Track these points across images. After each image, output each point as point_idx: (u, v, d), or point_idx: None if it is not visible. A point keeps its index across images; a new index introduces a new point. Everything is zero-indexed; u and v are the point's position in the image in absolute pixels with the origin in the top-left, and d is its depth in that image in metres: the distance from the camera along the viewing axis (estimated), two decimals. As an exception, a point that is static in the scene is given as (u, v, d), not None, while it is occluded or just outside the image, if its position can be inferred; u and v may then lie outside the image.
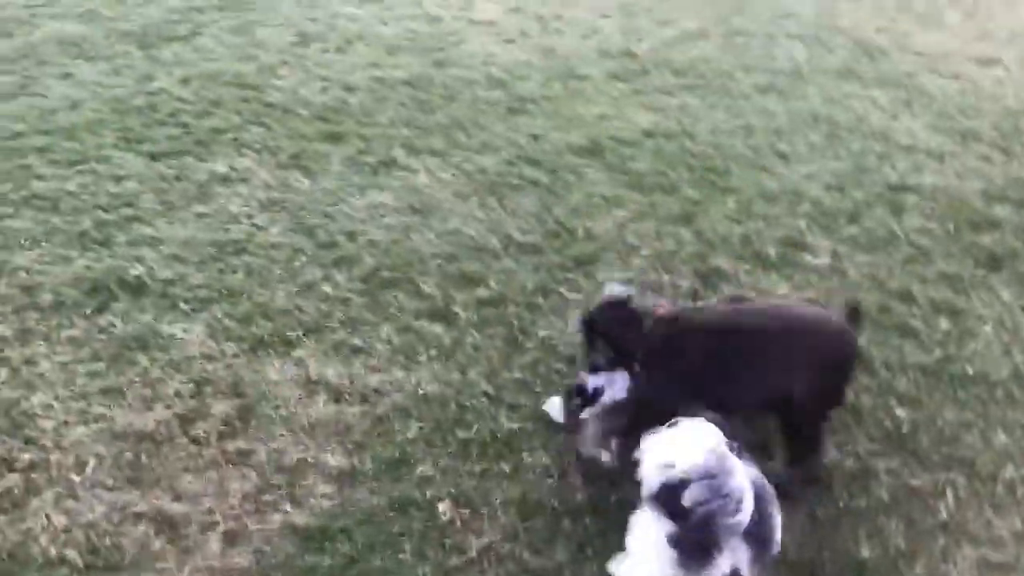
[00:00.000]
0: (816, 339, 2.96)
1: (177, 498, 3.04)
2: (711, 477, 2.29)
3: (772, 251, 4.28)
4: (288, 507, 3.01)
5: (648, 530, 2.43)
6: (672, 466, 2.33)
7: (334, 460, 3.18)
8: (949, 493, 3.09)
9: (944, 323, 3.85)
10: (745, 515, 2.33)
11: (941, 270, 4.17)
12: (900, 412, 3.40)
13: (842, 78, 5.98)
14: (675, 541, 2.36)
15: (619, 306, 3.08)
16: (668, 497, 2.33)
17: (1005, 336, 3.79)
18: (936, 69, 6.07)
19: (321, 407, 3.39)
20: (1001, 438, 3.31)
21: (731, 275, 4.13)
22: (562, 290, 4.04)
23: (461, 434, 3.30)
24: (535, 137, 5.21)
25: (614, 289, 3.20)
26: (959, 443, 3.29)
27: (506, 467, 3.18)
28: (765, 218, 4.52)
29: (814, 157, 5.05)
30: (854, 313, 3.11)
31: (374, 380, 3.52)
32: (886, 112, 5.53)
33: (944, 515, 3.02)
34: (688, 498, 2.27)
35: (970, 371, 3.60)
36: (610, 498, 3.02)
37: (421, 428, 3.32)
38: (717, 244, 4.33)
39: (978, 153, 5.11)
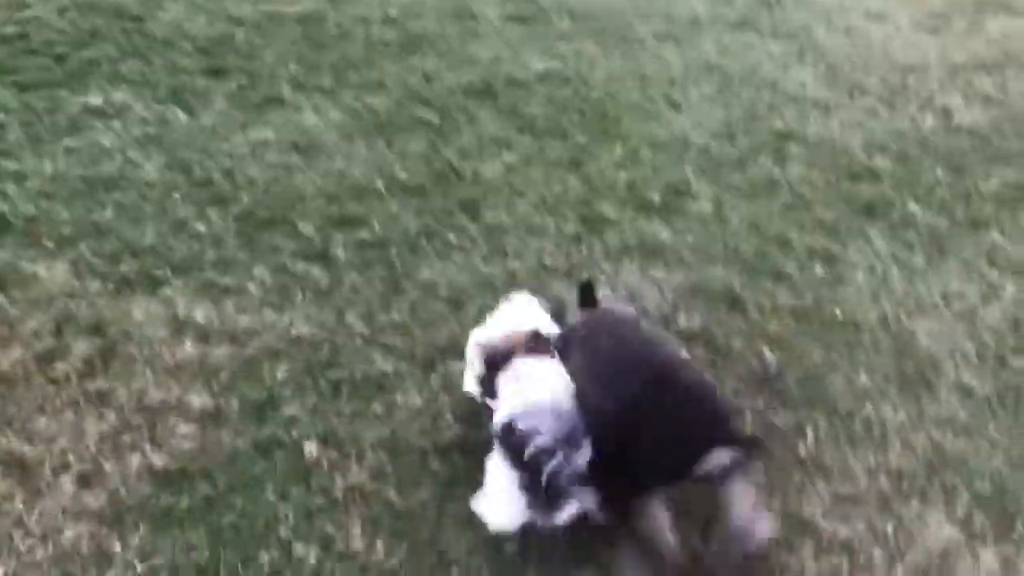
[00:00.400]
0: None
1: (30, 440, 2.92)
2: (551, 421, 2.32)
3: (656, 197, 4.29)
4: (147, 448, 2.92)
5: (499, 472, 2.44)
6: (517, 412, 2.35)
7: (198, 401, 3.09)
8: (809, 431, 3.17)
9: (818, 269, 3.93)
10: (583, 458, 2.35)
11: (819, 218, 4.24)
12: (768, 354, 3.47)
13: (738, 29, 6.01)
14: (523, 486, 2.37)
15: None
16: (512, 446, 2.34)
17: (875, 283, 3.88)
18: (830, 23, 6.15)
19: (187, 348, 3.29)
20: (863, 379, 3.39)
21: (614, 221, 4.13)
22: (447, 233, 3.99)
23: (333, 375, 3.24)
24: (427, 77, 5.11)
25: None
26: (823, 384, 3.36)
27: (378, 408, 3.13)
28: (652, 165, 4.53)
29: (704, 106, 5.07)
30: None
31: (244, 321, 3.42)
32: (778, 63, 5.58)
33: (803, 452, 3.09)
34: (529, 451, 2.29)
35: (839, 315, 3.69)
36: (480, 437, 3.01)
37: (291, 370, 3.24)
38: (603, 190, 4.33)
39: (863, 106, 5.20)
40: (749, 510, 2.66)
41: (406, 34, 5.53)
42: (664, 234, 4.05)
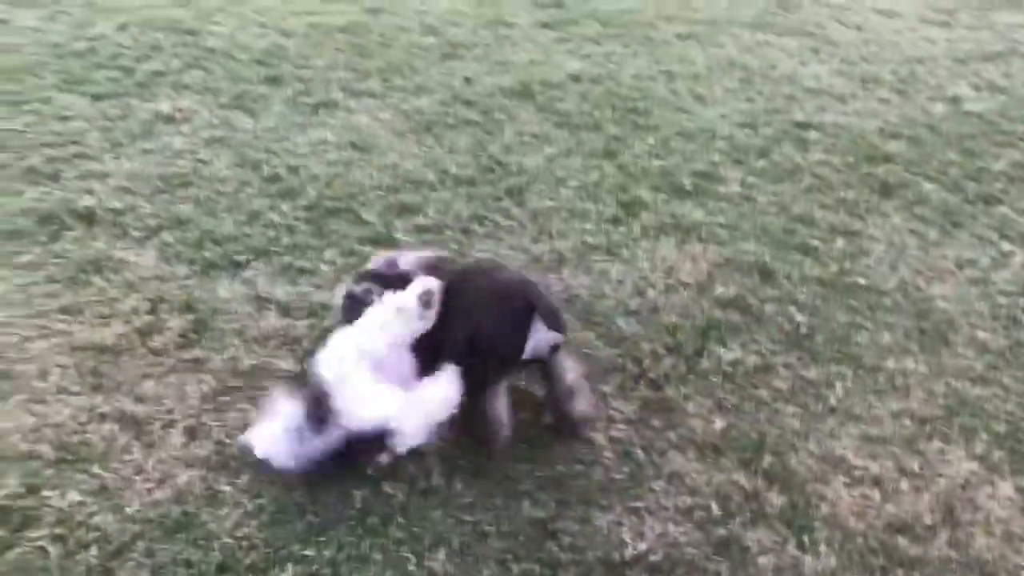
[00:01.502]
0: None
1: (139, 401, 3.26)
2: None
3: (688, 182, 4.62)
4: (245, 405, 3.26)
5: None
6: None
7: (285, 365, 3.43)
8: (838, 383, 3.49)
9: (841, 242, 4.25)
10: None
11: (840, 197, 4.57)
12: (799, 317, 3.79)
13: (757, 28, 6.36)
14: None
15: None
16: None
17: (894, 253, 4.20)
18: (843, 20, 6.49)
19: (271, 321, 3.63)
20: (886, 337, 3.71)
21: (650, 204, 4.46)
22: (496, 217, 4.34)
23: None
24: (468, 80, 5.47)
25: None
26: (849, 342, 3.69)
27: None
28: (682, 153, 4.87)
29: (728, 99, 5.41)
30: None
31: (320, 297, 3.76)
32: (795, 59, 5.93)
33: (833, 401, 3.41)
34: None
35: (862, 282, 4.01)
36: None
37: (366, 337, 3.58)
38: (638, 176, 4.67)
39: (877, 96, 5.53)
40: (573, 379, 3.18)
41: (445, 41, 5.90)
42: (697, 214, 4.39)
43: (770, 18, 6.48)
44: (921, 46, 6.14)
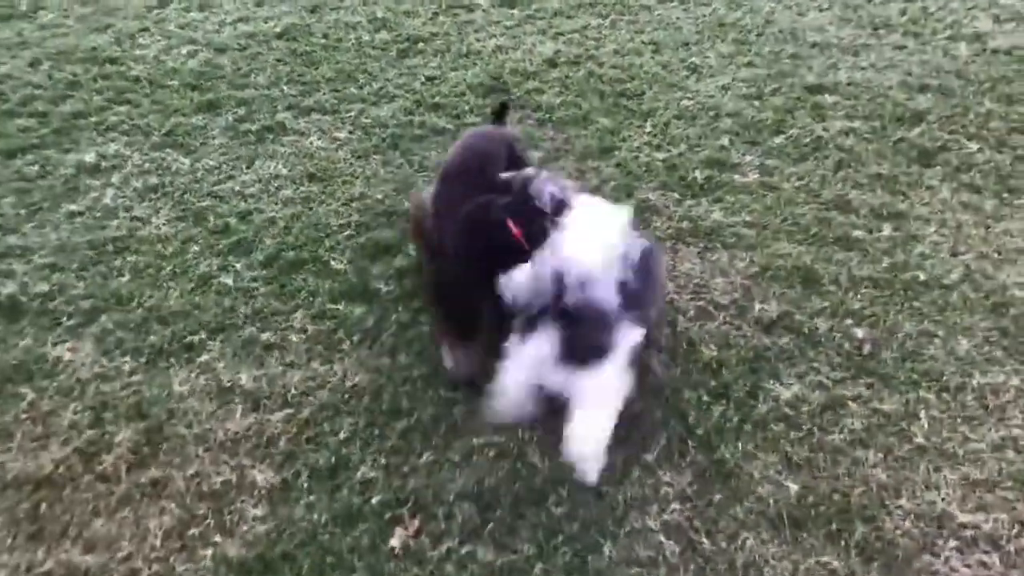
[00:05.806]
0: None
1: (89, 548, 2.66)
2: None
3: (699, 175, 4.02)
4: (218, 538, 2.67)
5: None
6: None
7: (262, 477, 2.84)
8: (921, 414, 2.92)
9: (887, 229, 3.67)
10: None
11: (874, 172, 3.98)
12: (858, 332, 3.22)
13: (741, -23, 5.70)
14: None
15: None
16: None
17: (949, 236, 3.63)
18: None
19: (238, 418, 3.03)
20: (963, 345, 3.15)
21: (661, 207, 3.86)
22: (485, 246, 3.72)
23: (400, 425, 2.98)
24: (431, 79, 4.82)
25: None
26: (922, 356, 3.12)
27: (455, 456, 2.89)
28: (686, 140, 4.26)
29: (726, 67, 4.79)
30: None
31: (294, 379, 3.16)
32: (793, 9, 5.29)
33: (920, 438, 2.85)
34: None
35: (922, 277, 3.43)
36: (572, 475, 2.78)
37: (354, 425, 2.99)
38: (641, 175, 4.06)
39: (892, 43, 4.92)
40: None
41: (399, 36, 5.23)
42: (716, 214, 3.79)
43: (754, -36, 5.82)
44: (927, -23, 5.53)
